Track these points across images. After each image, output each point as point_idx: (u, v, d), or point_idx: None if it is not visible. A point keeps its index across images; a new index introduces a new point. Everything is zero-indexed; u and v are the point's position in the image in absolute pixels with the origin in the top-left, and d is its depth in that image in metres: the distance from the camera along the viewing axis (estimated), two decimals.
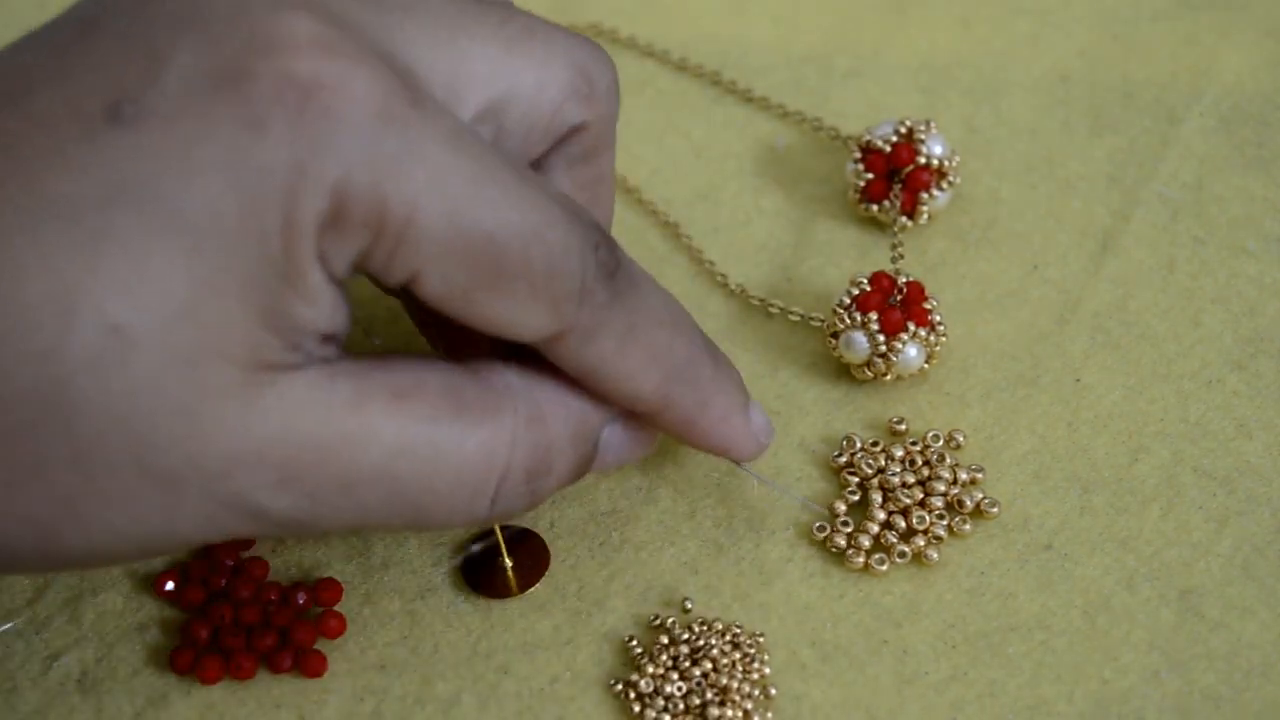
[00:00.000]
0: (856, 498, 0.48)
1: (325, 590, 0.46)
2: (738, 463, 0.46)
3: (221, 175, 0.35)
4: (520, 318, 0.39)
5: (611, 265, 0.41)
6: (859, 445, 0.49)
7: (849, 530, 0.47)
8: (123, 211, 0.35)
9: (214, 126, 0.35)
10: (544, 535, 0.48)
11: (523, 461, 0.40)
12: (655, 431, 0.44)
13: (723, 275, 0.54)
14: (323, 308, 0.37)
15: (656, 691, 0.44)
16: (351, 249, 0.37)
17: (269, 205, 0.36)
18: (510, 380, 0.41)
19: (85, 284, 0.35)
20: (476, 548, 0.47)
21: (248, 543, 0.47)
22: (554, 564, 0.47)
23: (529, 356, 0.41)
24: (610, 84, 0.44)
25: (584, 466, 0.43)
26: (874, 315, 0.49)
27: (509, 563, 0.47)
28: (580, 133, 0.43)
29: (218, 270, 0.35)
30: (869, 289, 0.50)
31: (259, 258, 0.36)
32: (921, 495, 0.48)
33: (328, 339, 0.38)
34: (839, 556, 0.47)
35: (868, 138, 0.54)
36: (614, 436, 0.43)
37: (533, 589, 0.47)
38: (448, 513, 0.40)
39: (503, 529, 0.47)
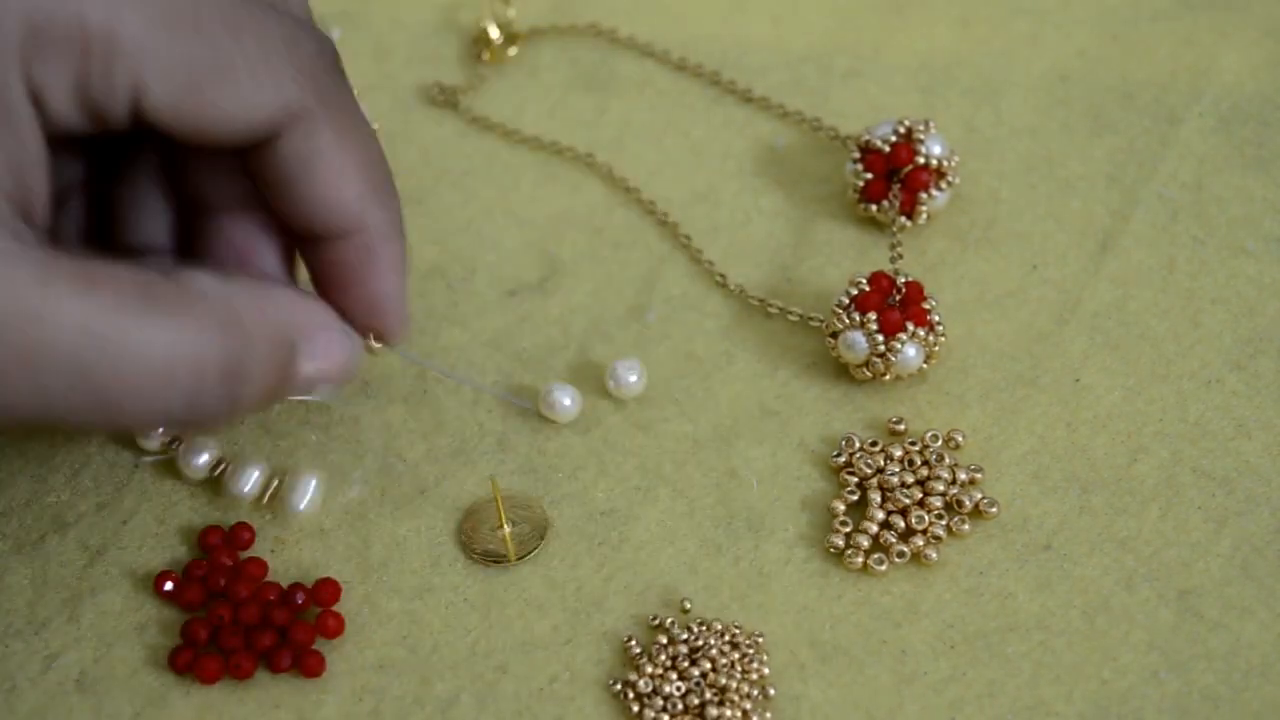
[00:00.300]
0: (856, 498, 0.48)
1: (324, 590, 0.46)
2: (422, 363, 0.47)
3: None
4: (244, 100, 0.40)
5: (334, 64, 0.42)
6: (858, 445, 0.49)
7: (848, 530, 0.47)
8: None
9: None
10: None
11: (217, 362, 0.39)
12: (356, 351, 0.44)
13: (722, 275, 0.54)
14: (25, 152, 0.37)
15: (655, 691, 0.44)
16: (64, 74, 0.37)
17: None
18: (205, 283, 0.40)
19: None
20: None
21: (247, 542, 0.47)
22: (552, 563, 0.47)
23: (226, 269, 0.42)
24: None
25: (282, 375, 0.42)
26: (873, 315, 0.49)
27: (507, 529, 0.47)
28: None
29: None
30: (868, 289, 0.50)
31: None
32: (920, 495, 0.48)
33: (25, 213, 0.38)
34: (838, 557, 0.47)
35: (867, 138, 0.54)
36: (312, 347, 0.43)
37: (529, 556, 0.47)
38: (139, 406, 0.39)
39: (503, 495, 0.47)
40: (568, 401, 0.49)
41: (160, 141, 0.42)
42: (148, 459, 0.49)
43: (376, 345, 0.45)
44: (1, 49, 0.37)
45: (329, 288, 0.44)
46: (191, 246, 0.45)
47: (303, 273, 0.46)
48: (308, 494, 0.48)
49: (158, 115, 0.39)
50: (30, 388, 0.38)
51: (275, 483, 0.48)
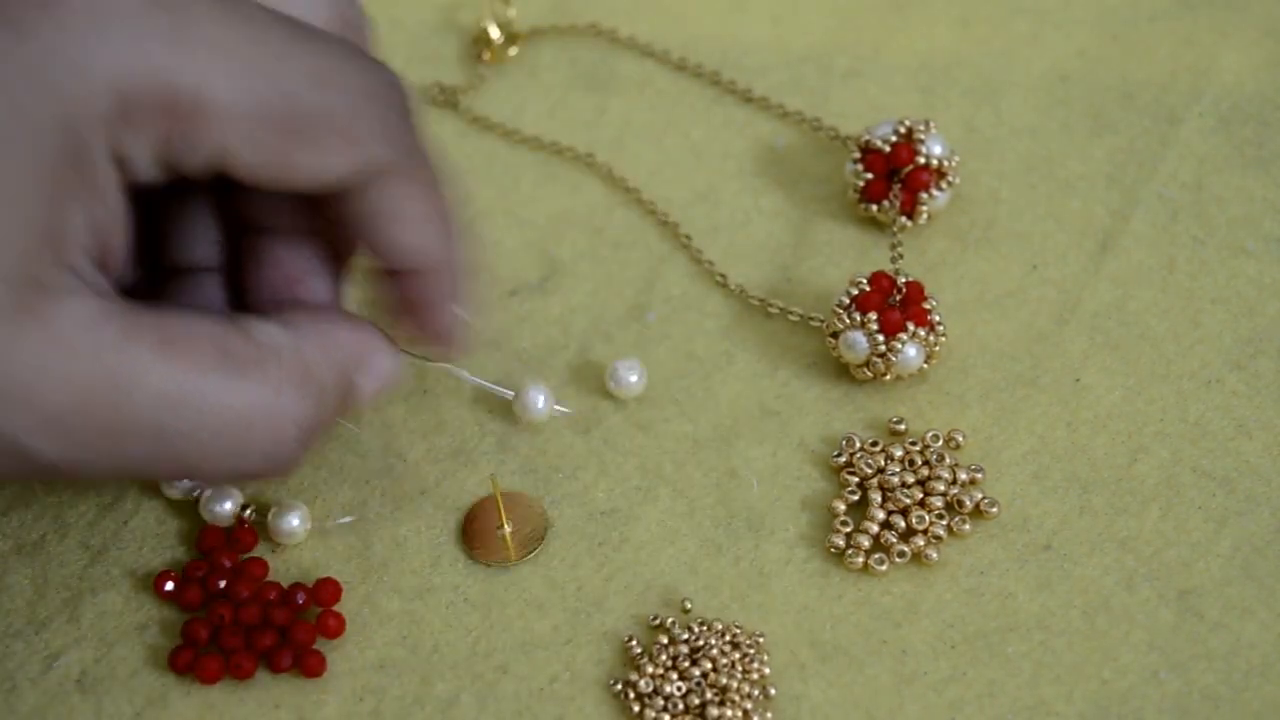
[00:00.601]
0: (856, 498, 0.48)
1: (324, 590, 0.46)
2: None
3: None
4: (330, 162, 0.40)
5: (410, 112, 0.42)
6: (858, 445, 0.49)
7: (848, 530, 0.47)
8: None
9: None
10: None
11: (295, 419, 0.40)
12: (399, 365, 0.44)
13: (722, 275, 0.54)
14: (108, 213, 0.37)
15: (656, 691, 0.44)
16: (150, 139, 0.37)
17: (39, 108, 0.35)
18: (276, 336, 0.41)
19: None
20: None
21: (248, 544, 0.47)
22: (554, 563, 0.47)
23: (285, 313, 0.42)
24: (368, 36, 0.44)
25: (347, 407, 0.43)
26: (873, 315, 0.49)
27: (508, 529, 0.47)
28: None
29: None
30: (868, 289, 0.50)
31: (32, 163, 0.35)
32: (921, 495, 0.48)
33: (103, 265, 0.38)
34: (838, 556, 0.47)
35: (867, 138, 0.54)
36: (367, 373, 0.43)
37: (529, 556, 0.47)
38: (216, 465, 0.40)
39: (503, 494, 0.47)
40: (540, 403, 0.49)
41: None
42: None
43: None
44: (89, 118, 0.36)
45: (394, 308, 0.44)
46: (241, 266, 0.45)
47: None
48: (294, 525, 0.47)
49: (238, 173, 0.39)
50: (114, 452, 0.38)
51: (250, 511, 0.48)
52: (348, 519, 0.48)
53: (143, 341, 0.38)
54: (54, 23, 0.35)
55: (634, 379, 0.50)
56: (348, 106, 0.39)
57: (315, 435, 0.41)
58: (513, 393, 0.49)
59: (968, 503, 0.47)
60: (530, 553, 0.47)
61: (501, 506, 0.47)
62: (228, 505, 0.47)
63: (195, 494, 0.48)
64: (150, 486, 0.49)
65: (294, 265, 0.45)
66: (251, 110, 0.38)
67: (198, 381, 0.38)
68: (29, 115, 0.35)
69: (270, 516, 0.47)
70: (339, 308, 0.45)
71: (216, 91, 0.37)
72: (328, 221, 0.44)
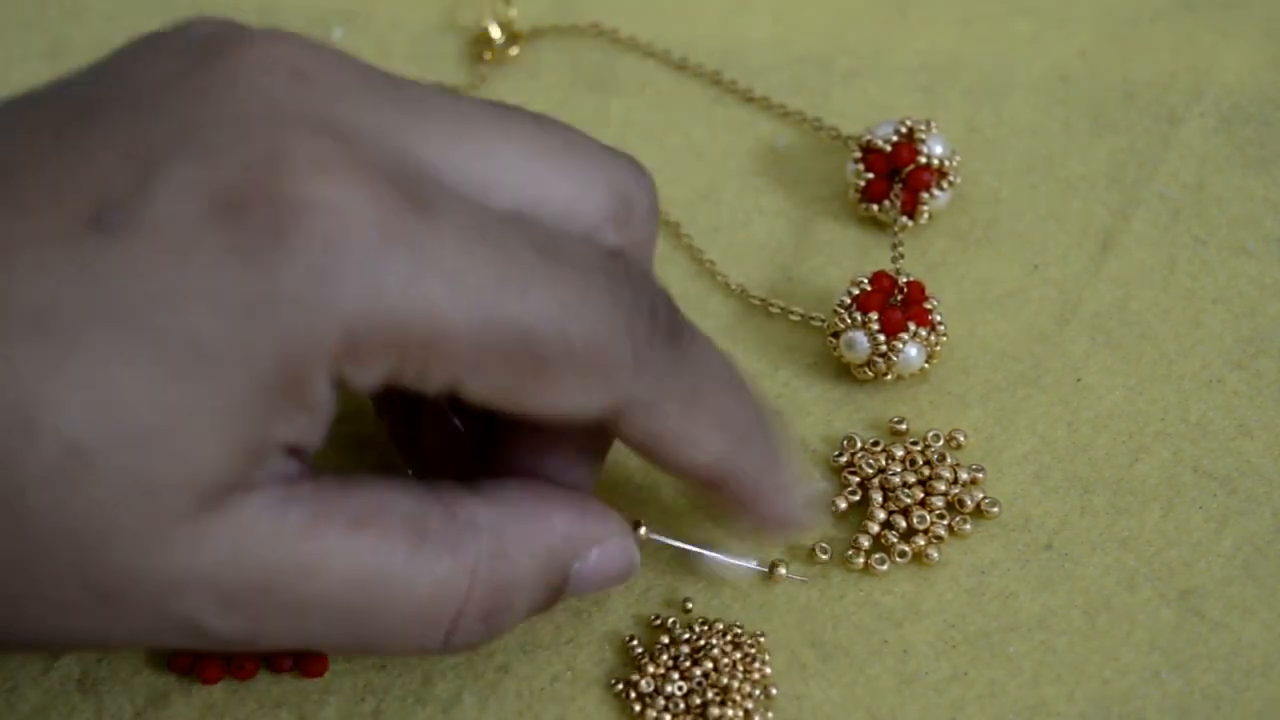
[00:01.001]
0: (857, 497, 0.48)
1: None
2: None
3: (208, 304, 0.34)
4: (573, 401, 0.37)
5: (670, 328, 0.39)
6: (859, 445, 0.49)
7: (826, 557, 0.47)
8: (97, 327, 0.33)
9: (203, 251, 0.34)
10: None
11: (480, 599, 0.38)
12: (634, 556, 0.43)
13: (723, 275, 0.54)
14: (314, 422, 0.36)
15: (657, 691, 0.44)
16: (376, 372, 0.35)
17: (262, 338, 0.34)
18: (476, 511, 0.39)
19: (48, 398, 0.33)
20: None
21: None
22: None
23: (500, 482, 0.40)
24: (650, 209, 0.41)
25: (553, 599, 0.41)
26: (874, 315, 0.49)
27: None
28: (614, 260, 0.39)
29: (194, 398, 0.34)
30: (869, 289, 0.50)
31: (247, 389, 0.34)
32: (922, 495, 0.48)
33: (296, 452, 0.37)
34: (839, 557, 0.47)
35: (868, 137, 0.54)
36: (589, 568, 0.41)
37: None
38: (399, 645, 0.39)
39: None
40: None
41: None
42: None
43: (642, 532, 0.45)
44: (314, 354, 0.34)
45: (713, 507, 0.43)
46: (489, 435, 0.43)
47: None
48: None
49: (473, 402, 0.37)
50: (295, 630, 0.37)
51: None
52: None
53: (332, 525, 0.36)
54: (289, 256, 0.34)
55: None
56: (591, 341, 0.37)
57: (507, 620, 0.39)
58: (762, 566, 0.46)
59: (969, 502, 0.47)
60: None
61: None
62: None
63: None
64: None
65: (544, 460, 0.42)
66: (485, 346, 0.35)
67: (387, 563, 0.37)
68: (249, 345, 0.34)
69: None
70: (582, 492, 0.42)
71: (449, 327, 0.35)
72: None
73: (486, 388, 0.36)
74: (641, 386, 0.38)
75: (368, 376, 0.35)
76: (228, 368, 0.34)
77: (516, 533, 0.39)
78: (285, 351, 0.34)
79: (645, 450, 0.40)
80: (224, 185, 0.34)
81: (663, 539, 0.45)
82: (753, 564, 0.46)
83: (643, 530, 0.45)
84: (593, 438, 0.42)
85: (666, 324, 0.39)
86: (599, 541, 0.41)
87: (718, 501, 0.42)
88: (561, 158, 0.39)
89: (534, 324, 0.36)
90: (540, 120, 0.40)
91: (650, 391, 0.38)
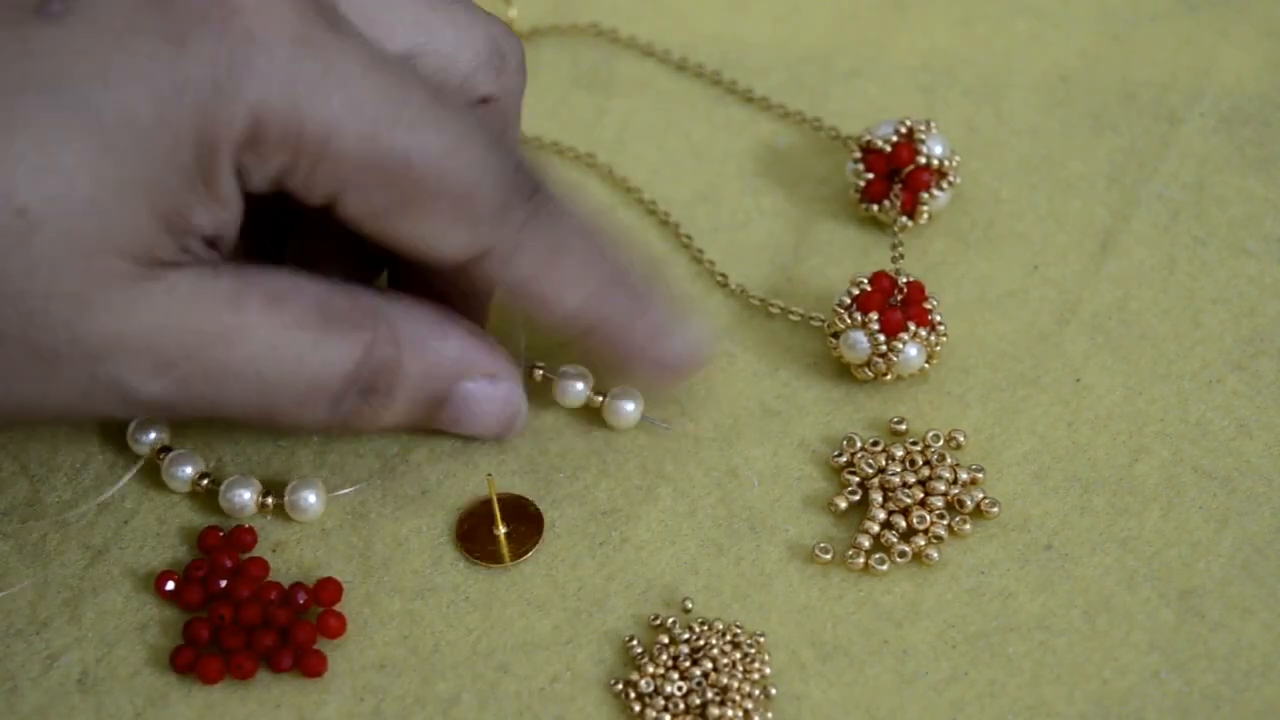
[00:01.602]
0: (857, 497, 0.48)
1: (325, 590, 0.46)
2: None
3: (139, 82, 0.37)
4: (439, 237, 0.41)
5: (529, 187, 0.42)
6: (859, 445, 0.49)
7: (828, 556, 0.47)
8: (40, 102, 0.37)
9: (138, 35, 0.37)
10: (545, 534, 0.48)
11: (365, 376, 0.42)
12: (519, 402, 0.47)
13: (723, 275, 0.54)
14: (226, 215, 0.40)
15: (656, 691, 0.44)
16: (270, 166, 0.39)
17: (183, 118, 0.38)
18: (379, 303, 0.43)
19: None
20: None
21: (248, 543, 0.47)
22: (553, 563, 0.47)
23: (409, 296, 0.44)
24: (519, 61, 0.45)
25: (432, 411, 0.45)
26: (874, 315, 0.49)
27: (503, 530, 0.47)
28: (488, 105, 0.45)
29: (126, 170, 0.37)
30: (869, 289, 0.50)
31: (169, 164, 0.38)
32: (922, 495, 0.48)
33: (214, 243, 0.40)
34: (839, 556, 0.47)
35: (868, 138, 0.54)
36: (470, 394, 0.45)
37: (525, 559, 0.47)
38: (295, 413, 0.42)
39: (498, 496, 0.47)
40: (312, 499, 0.48)
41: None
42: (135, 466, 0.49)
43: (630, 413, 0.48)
44: (224, 136, 0.38)
45: (596, 360, 0.46)
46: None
47: None
48: (311, 504, 0.48)
49: (347, 221, 0.41)
50: (212, 394, 0.41)
51: (268, 499, 0.48)
52: (351, 490, 0.48)
53: (252, 299, 0.40)
54: (212, 41, 0.38)
55: (630, 408, 0.49)
56: (464, 182, 0.41)
57: (385, 410, 0.43)
58: (669, 425, 0.49)
59: (968, 503, 0.47)
60: (526, 554, 0.47)
61: (497, 507, 0.47)
62: (247, 495, 0.48)
63: (160, 453, 0.48)
64: (154, 484, 0.49)
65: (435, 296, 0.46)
66: (371, 162, 0.39)
67: (298, 336, 0.41)
68: (172, 123, 0.38)
69: (288, 492, 0.48)
70: (475, 327, 0.46)
71: (343, 137, 0.39)
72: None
73: (363, 205, 0.40)
74: (505, 234, 0.42)
75: (262, 172, 0.39)
76: (154, 143, 0.38)
77: (411, 330, 0.43)
78: (200, 131, 0.38)
79: (515, 300, 0.44)
80: None
81: (548, 374, 0.48)
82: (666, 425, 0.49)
83: (539, 372, 0.48)
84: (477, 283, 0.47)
85: (530, 181, 0.42)
86: (489, 375, 0.45)
87: (595, 350, 0.46)
88: (445, 8, 0.44)
89: (417, 155, 0.40)
90: None
91: (512, 240, 0.42)
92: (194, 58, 0.38)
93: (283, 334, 0.41)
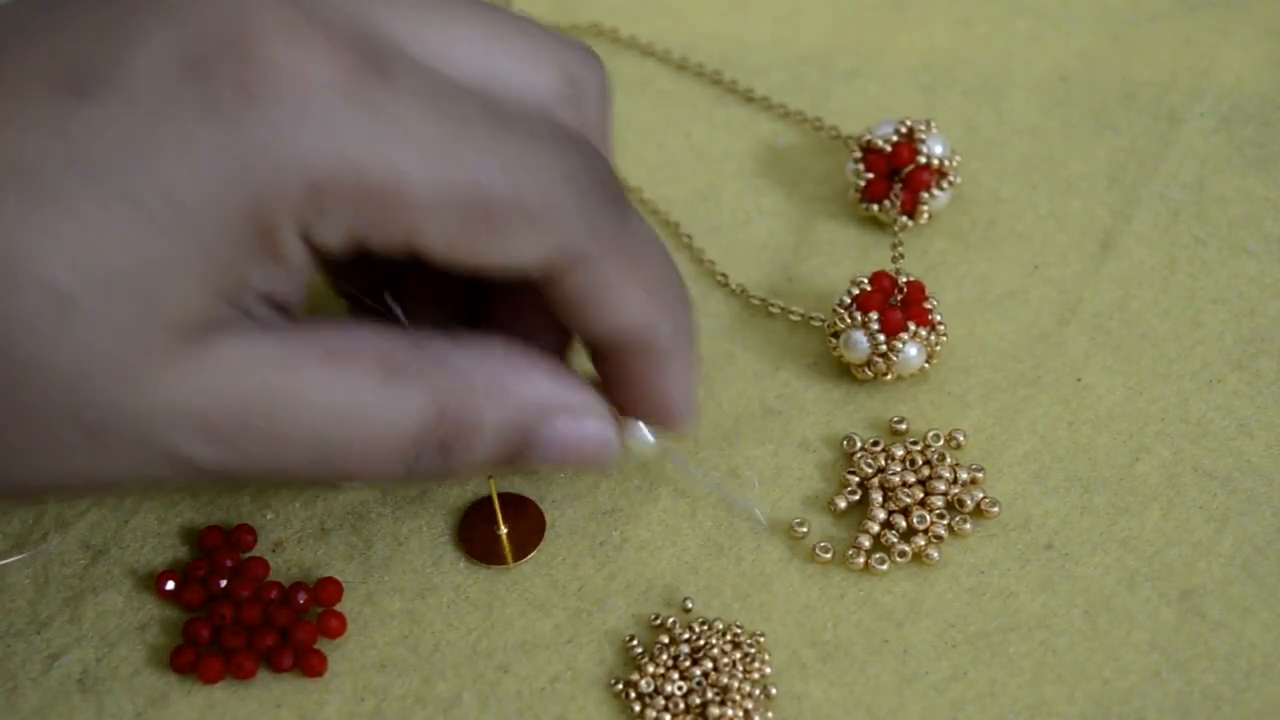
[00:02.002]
0: (857, 497, 0.48)
1: (326, 590, 0.46)
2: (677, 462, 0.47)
3: (183, 157, 0.36)
4: (521, 251, 0.40)
5: (616, 195, 0.41)
6: (859, 445, 0.49)
7: (828, 556, 0.47)
8: (77, 181, 0.36)
9: (178, 108, 0.36)
10: (545, 534, 0.48)
11: (442, 431, 0.40)
12: (611, 438, 0.44)
13: (723, 275, 0.54)
14: (290, 275, 0.38)
15: (657, 691, 0.44)
16: (338, 224, 0.38)
17: (233, 190, 0.36)
18: (446, 351, 0.41)
19: (32, 247, 0.35)
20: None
21: (248, 543, 0.47)
22: (554, 562, 0.47)
23: (484, 335, 0.42)
24: (601, 92, 0.43)
25: (512, 455, 0.42)
26: (874, 315, 0.49)
27: (504, 530, 0.47)
28: None
29: (171, 247, 0.36)
30: (869, 289, 0.50)
31: (218, 237, 0.37)
32: (922, 495, 0.48)
33: (278, 306, 0.39)
34: (839, 556, 0.47)
35: (868, 137, 0.54)
36: (555, 433, 0.43)
37: (527, 559, 0.47)
38: (364, 472, 0.41)
39: (500, 496, 0.47)
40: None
41: None
42: None
43: (649, 440, 0.45)
44: (280, 204, 0.37)
45: (616, 386, 0.44)
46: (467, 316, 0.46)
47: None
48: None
49: (429, 257, 0.39)
50: (271, 458, 0.39)
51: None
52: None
53: (307, 359, 0.39)
54: (256, 111, 0.36)
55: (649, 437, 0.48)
56: (540, 194, 0.39)
57: (465, 459, 0.41)
58: (760, 513, 0.48)
59: (969, 502, 0.47)
60: (528, 555, 0.47)
61: (498, 507, 0.47)
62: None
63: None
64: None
65: (517, 325, 0.45)
66: (441, 200, 0.38)
67: (358, 394, 0.39)
68: (220, 196, 0.36)
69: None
70: (557, 360, 0.44)
71: (408, 183, 0.38)
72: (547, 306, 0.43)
73: (443, 241, 0.39)
74: (586, 239, 0.40)
75: (332, 232, 0.38)
76: (198, 216, 0.36)
77: (485, 377, 0.41)
78: (252, 201, 0.37)
79: (577, 308, 0.41)
80: (194, 46, 0.37)
81: (654, 441, 0.45)
82: (756, 513, 0.48)
83: (642, 427, 0.45)
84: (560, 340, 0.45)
85: (613, 191, 0.41)
86: (571, 411, 0.43)
87: (622, 369, 0.43)
88: (512, 39, 0.42)
89: (486, 180, 0.38)
90: (494, 7, 0.42)
91: (593, 246, 0.40)
92: (239, 127, 0.36)
93: (340, 393, 0.39)
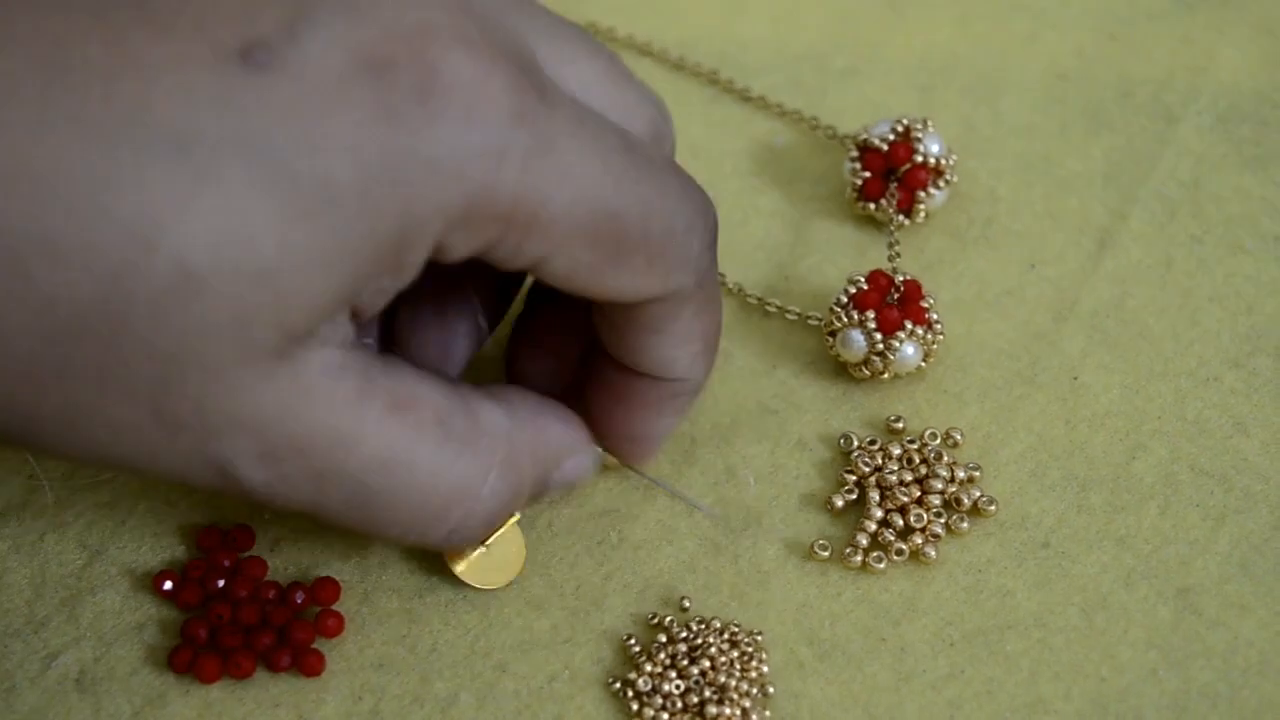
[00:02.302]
0: (854, 496, 0.48)
1: (323, 589, 0.46)
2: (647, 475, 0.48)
3: (346, 152, 0.35)
4: (635, 285, 0.40)
5: (714, 228, 0.42)
6: (856, 443, 0.49)
7: (827, 554, 0.47)
8: (236, 161, 0.34)
9: (348, 101, 0.35)
10: (542, 534, 0.48)
11: (488, 502, 0.41)
12: (596, 464, 0.45)
13: (721, 274, 0.54)
14: (398, 286, 0.38)
15: (654, 690, 0.44)
16: (477, 241, 0.37)
17: (390, 194, 0.35)
18: (498, 419, 0.41)
19: (174, 222, 0.34)
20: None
21: (246, 543, 0.47)
22: (553, 562, 0.47)
23: (504, 388, 0.43)
24: (673, 145, 0.44)
25: (531, 502, 0.44)
26: (871, 314, 0.49)
27: (484, 548, 0.46)
28: None
29: (315, 241, 0.35)
30: (866, 287, 0.50)
31: (364, 238, 0.36)
32: (919, 493, 0.48)
33: (357, 313, 0.38)
34: (836, 555, 0.47)
35: (865, 136, 0.54)
36: (562, 474, 0.44)
37: (512, 581, 0.46)
38: (401, 531, 0.40)
39: None
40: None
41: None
42: None
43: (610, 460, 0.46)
44: (433, 216, 0.36)
45: (606, 411, 0.45)
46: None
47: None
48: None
49: (546, 278, 0.39)
50: (313, 494, 0.39)
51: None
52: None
53: (374, 402, 0.38)
54: (430, 120, 0.35)
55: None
56: (667, 234, 0.40)
57: (500, 520, 0.42)
58: (719, 512, 0.48)
59: (966, 501, 0.47)
60: (510, 580, 0.46)
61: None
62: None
63: None
64: (153, 484, 0.49)
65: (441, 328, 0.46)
66: (582, 229, 0.38)
67: (414, 451, 0.39)
68: (376, 198, 0.35)
69: None
70: (551, 396, 0.45)
71: (555, 208, 0.37)
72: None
73: (569, 267, 0.39)
74: (688, 283, 0.41)
75: (466, 246, 0.37)
76: (350, 212, 0.35)
77: (523, 440, 0.42)
78: (409, 210, 0.36)
79: (635, 334, 0.42)
80: (374, 44, 0.35)
81: (628, 466, 0.47)
82: (715, 512, 0.48)
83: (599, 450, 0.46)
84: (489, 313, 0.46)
85: (713, 235, 0.42)
86: (575, 452, 0.44)
87: (626, 402, 0.44)
88: (622, 82, 0.42)
89: (623, 211, 0.39)
90: (602, 46, 0.42)
91: (692, 288, 0.41)
92: (408, 133, 0.35)
93: (401, 448, 0.39)
